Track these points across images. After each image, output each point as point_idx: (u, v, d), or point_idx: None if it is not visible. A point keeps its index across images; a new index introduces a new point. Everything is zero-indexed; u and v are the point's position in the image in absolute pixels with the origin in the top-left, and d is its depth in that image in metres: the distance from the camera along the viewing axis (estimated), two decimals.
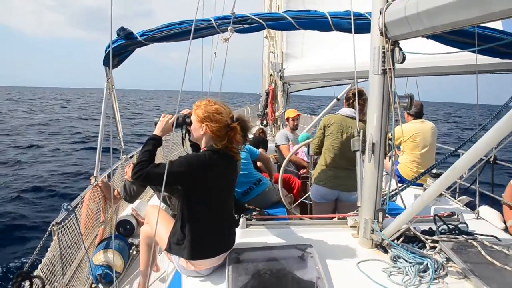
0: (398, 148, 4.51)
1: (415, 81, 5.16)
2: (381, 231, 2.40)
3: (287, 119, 5.87)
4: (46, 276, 2.32)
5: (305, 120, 10.67)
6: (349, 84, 6.66)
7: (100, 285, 3.12)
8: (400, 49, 2.18)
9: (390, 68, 2.22)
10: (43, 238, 2.39)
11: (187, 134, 2.44)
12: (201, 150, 2.30)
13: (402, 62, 2.16)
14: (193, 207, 2.20)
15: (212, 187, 2.22)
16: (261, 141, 5.75)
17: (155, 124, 2.38)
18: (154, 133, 2.33)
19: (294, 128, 5.83)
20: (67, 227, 2.69)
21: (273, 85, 7.93)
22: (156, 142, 2.29)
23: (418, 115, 4.58)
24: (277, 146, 5.66)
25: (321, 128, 3.62)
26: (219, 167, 2.22)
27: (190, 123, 2.34)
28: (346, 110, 3.61)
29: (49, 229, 2.45)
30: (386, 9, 2.14)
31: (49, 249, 2.42)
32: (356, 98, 2.90)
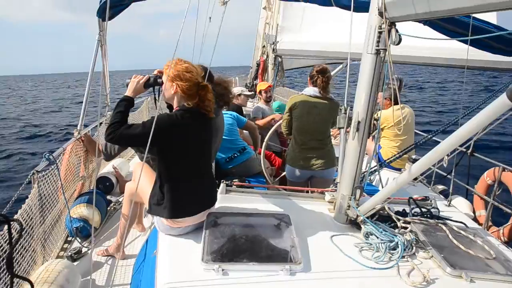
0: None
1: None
2: (357, 207, 2.47)
3: (260, 92, 5.80)
4: (26, 222, 2.33)
5: (292, 95, 10.62)
6: (341, 63, 6.69)
7: (77, 238, 3.15)
8: (397, 31, 2.18)
9: (384, 49, 2.23)
10: (22, 185, 2.38)
11: (159, 95, 2.43)
12: (174, 110, 2.30)
13: (398, 44, 2.17)
14: (169, 166, 2.23)
15: (185, 146, 2.24)
16: (235, 109, 5.59)
17: (127, 86, 2.36)
18: (126, 94, 2.32)
19: (267, 100, 5.78)
20: (47, 176, 2.68)
21: (264, 56, 7.86)
22: (128, 103, 2.28)
23: (396, 100, 4.64)
24: (252, 119, 5.64)
25: (287, 110, 3.62)
26: (191, 126, 2.24)
27: (161, 83, 2.34)
28: (309, 90, 3.57)
29: (29, 176, 2.44)
30: None
31: (29, 196, 2.41)
32: (347, 79, 2.91)
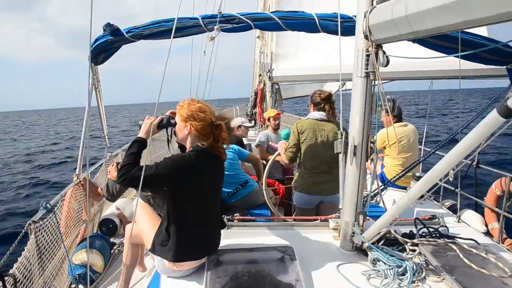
0: (381, 152, 4.52)
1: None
2: (361, 233, 2.40)
3: (268, 119, 5.85)
4: (24, 275, 2.28)
5: (293, 120, 10.65)
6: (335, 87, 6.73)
7: (79, 285, 3.08)
8: (384, 53, 2.18)
9: (373, 71, 2.22)
10: (18, 237, 2.35)
11: (172, 135, 2.43)
12: (187, 151, 2.28)
13: (386, 65, 2.17)
14: (179, 208, 2.18)
15: (198, 187, 2.19)
16: (235, 142, 5.34)
17: (140, 127, 2.37)
18: (139, 135, 2.31)
19: (275, 128, 5.81)
20: (45, 225, 2.65)
21: (262, 85, 7.93)
22: (140, 144, 2.27)
23: (400, 117, 4.60)
24: (257, 146, 5.65)
25: (295, 135, 3.57)
26: (205, 167, 2.21)
27: (175, 124, 2.33)
28: (315, 114, 3.58)
29: (25, 227, 2.41)
30: (370, 12, 2.14)
31: (25, 247, 2.38)
32: (341, 101, 2.90)
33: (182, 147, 2.46)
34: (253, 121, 8.43)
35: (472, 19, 1.45)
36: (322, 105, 3.56)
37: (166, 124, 2.39)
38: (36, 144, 26.81)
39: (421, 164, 4.40)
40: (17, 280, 1.91)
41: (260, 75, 7.86)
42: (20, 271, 2.27)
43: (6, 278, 1.78)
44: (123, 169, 2.09)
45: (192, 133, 2.24)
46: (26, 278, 2.35)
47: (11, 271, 2.10)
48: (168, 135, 2.48)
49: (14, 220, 8.13)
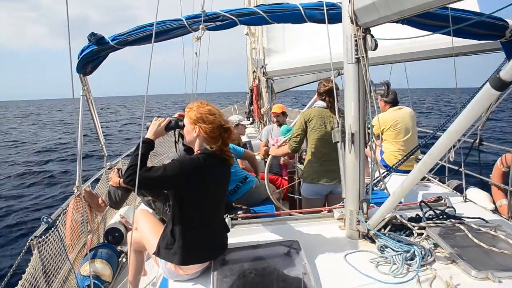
0: (378, 138, 4.48)
1: (403, 67, 5.11)
2: (366, 221, 2.37)
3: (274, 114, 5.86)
4: None
5: (292, 114, 10.61)
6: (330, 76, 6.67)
7: None
8: (372, 36, 2.15)
9: (363, 56, 2.18)
10: (21, 253, 2.33)
11: (180, 138, 2.42)
12: (195, 153, 2.25)
13: (374, 49, 2.13)
14: (185, 211, 2.16)
15: (205, 191, 2.17)
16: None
17: (147, 128, 2.35)
18: (146, 136, 2.30)
19: (278, 124, 5.79)
20: (48, 240, 2.63)
21: (256, 81, 7.90)
22: (148, 145, 2.25)
23: (394, 102, 4.55)
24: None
25: (301, 124, 3.54)
26: (213, 171, 2.19)
27: (183, 126, 2.31)
28: (322, 103, 3.58)
29: (27, 243, 2.39)
30: None
31: (29, 264, 2.36)
32: (334, 89, 2.87)
33: (188, 149, 2.43)
34: (251, 118, 8.40)
35: None
36: (324, 97, 3.56)
37: (174, 126, 2.37)
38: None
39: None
40: None
41: (254, 71, 7.82)
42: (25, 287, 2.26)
43: None
44: (130, 170, 2.07)
45: (200, 136, 2.22)
46: None
47: None
48: (175, 138, 2.46)
49: None
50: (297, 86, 8.64)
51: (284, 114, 5.85)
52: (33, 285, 2.34)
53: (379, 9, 1.83)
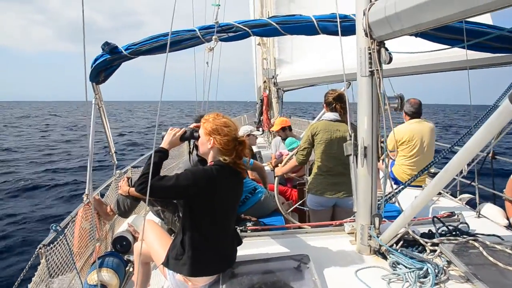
0: (394, 150, 4.41)
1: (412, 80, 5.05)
2: (378, 236, 2.33)
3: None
4: None
5: (302, 124, 10.59)
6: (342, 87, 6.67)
7: None
8: (386, 49, 2.13)
9: (377, 69, 2.16)
10: (30, 261, 2.32)
11: (194, 149, 2.41)
12: (208, 165, 2.24)
13: (389, 63, 2.11)
14: (196, 222, 2.14)
15: (217, 202, 2.16)
16: None
17: (163, 138, 2.36)
18: (161, 145, 2.30)
19: (282, 137, 5.73)
20: (56, 248, 2.62)
21: (267, 91, 7.90)
22: (162, 155, 2.25)
23: (416, 114, 4.42)
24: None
25: (308, 138, 3.52)
26: (225, 183, 2.17)
27: (198, 137, 2.31)
28: (329, 115, 3.54)
29: (36, 252, 2.39)
30: (369, 9, 2.10)
31: (36, 273, 2.35)
32: (347, 101, 2.84)
33: (202, 160, 2.43)
34: (260, 129, 8.39)
35: (471, 8, 1.39)
36: (334, 104, 3.52)
37: (189, 136, 2.38)
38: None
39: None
40: None
41: (264, 81, 7.84)
42: None
43: None
44: (143, 178, 2.06)
45: (215, 148, 2.21)
46: None
47: None
48: (190, 148, 2.47)
49: None
50: (302, 87, 8.65)
51: (284, 129, 5.68)
52: None
53: (393, 23, 1.81)
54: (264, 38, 7.37)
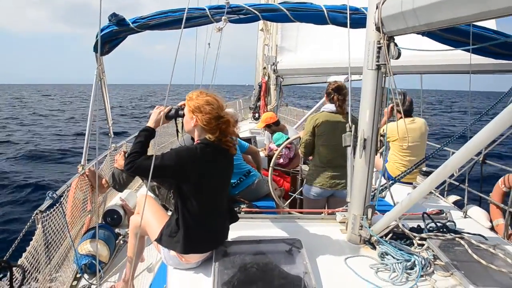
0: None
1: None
2: (370, 227, 2.39)
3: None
4: (32, 264, 2.28)
5: (297, 113, 10.58)
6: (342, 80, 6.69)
7: (85, 275, 3.08)
8: (396, 45, 2.15)
9: (384, 64, 2.19)
10: (26, 227, 2.34)
11: (182, 127, 2.42)
12: (194, 143, 2.26)
13: (397, 58, 2.14)
14: (186, 200, 2.17)
15: (203, 181, 2.17)
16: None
17: (149, 116, 2.36)
18: (147, 124, 2.30)
19: (271, 132, 5.63)
20: (52, 215, 2.64)
21: (266, 78, 7.89)
22: (148, 133, 2.26)
23: (408, 112, 4.49)
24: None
25: (309, 130, 3.54)
26: (211, 161, 2.19)
27: (183, 115, 2.31)
28: (330, 106, 3.55)
29: (32, 217, 2.40)
30: (383, 3, 2.11)
31: (33, 237, 2.37)
32: (349, 94, 2.87)
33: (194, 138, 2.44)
34: (256, 114, 8.39)
35: (489, 10, 1.42)
36: (332, 95, 3.52)
37: (175, 115, 2.36)
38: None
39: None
40: (26, 271, 1.91)
41: (264, 67, 7.82)
42: (28, 261, 2.27)
43: (15, 269, 1.77)
44: (130, 157, 2.10)
45: (198, 126, 2.22)
46: (34, 267, 2.35)
47: (19, 262, 2.10)
48: (177, 126, 2.45)
49: None
50: (304, 84, 8.63)
51: (270, 126, 5.50)
52: (36, 259, 2.35)
53: (408, 19, 1.84)
54: (268, 24, 7.33)
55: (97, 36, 3.06)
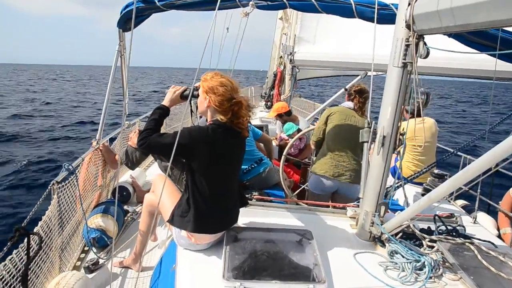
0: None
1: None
2: (381, 224, 2.39)
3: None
4: (46, 234, 2.32)
5: (310, 106, 10.54)
6: (358, 75, 6.63)
7: (93, 248, 3.13)
8: (425, 44, 2.12)
9: (411, 62, 2.16)
10: (42, 196, 2.37)
11: (196, 108, 2.42)
12: (207, 124, 2.27)
13: (426, 57, 2.11)
14: (196, 180, 2.18)
15: (214, 161, 2.19)
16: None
17: (165, 95, 2.39)
18: (162, 103, 2.34)
19: (283, 122, 5.63)
20: (67, 187, 2.67)
21: (282, 67, 7.85)
22: (163, 111, 2.30)
23: (417, 112, 4.45)
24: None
25: (323, 120, 3.60)
26: (222, 142, 2.20)
27: (197, 96, 2.32)
28: (349, 103, 3.63)
29: (49, 187, 2.43)
30: (416, 1, 2.08)
31: (49, 207, 2.40)
32: (371, 89, 2.85)
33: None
34: (269, 103, 8.37)
35: None
36: (353, 96, 3.61)
37: (190, 95, 2.36)
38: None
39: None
40: (42, 239, 1.94)
41: (281, 57, 7.77)
42: (43, 230, 2.30)
43: (32, 236, 1.80)
44: (143, 134, 2.13)
45: (211, 107, 2.23)
46: (48, 236, 2.38)
47: (35, 229, 2.13)
48: (191, 107, 2.46)
49: None
50: (319, 77, 8.56)
51: (281, 115, 5.51)
52: (50, 228, 2.39)
53: (443, 19, 1.80)
54: (288, 14, 7.26)
55: (122, 12, 3.06)
